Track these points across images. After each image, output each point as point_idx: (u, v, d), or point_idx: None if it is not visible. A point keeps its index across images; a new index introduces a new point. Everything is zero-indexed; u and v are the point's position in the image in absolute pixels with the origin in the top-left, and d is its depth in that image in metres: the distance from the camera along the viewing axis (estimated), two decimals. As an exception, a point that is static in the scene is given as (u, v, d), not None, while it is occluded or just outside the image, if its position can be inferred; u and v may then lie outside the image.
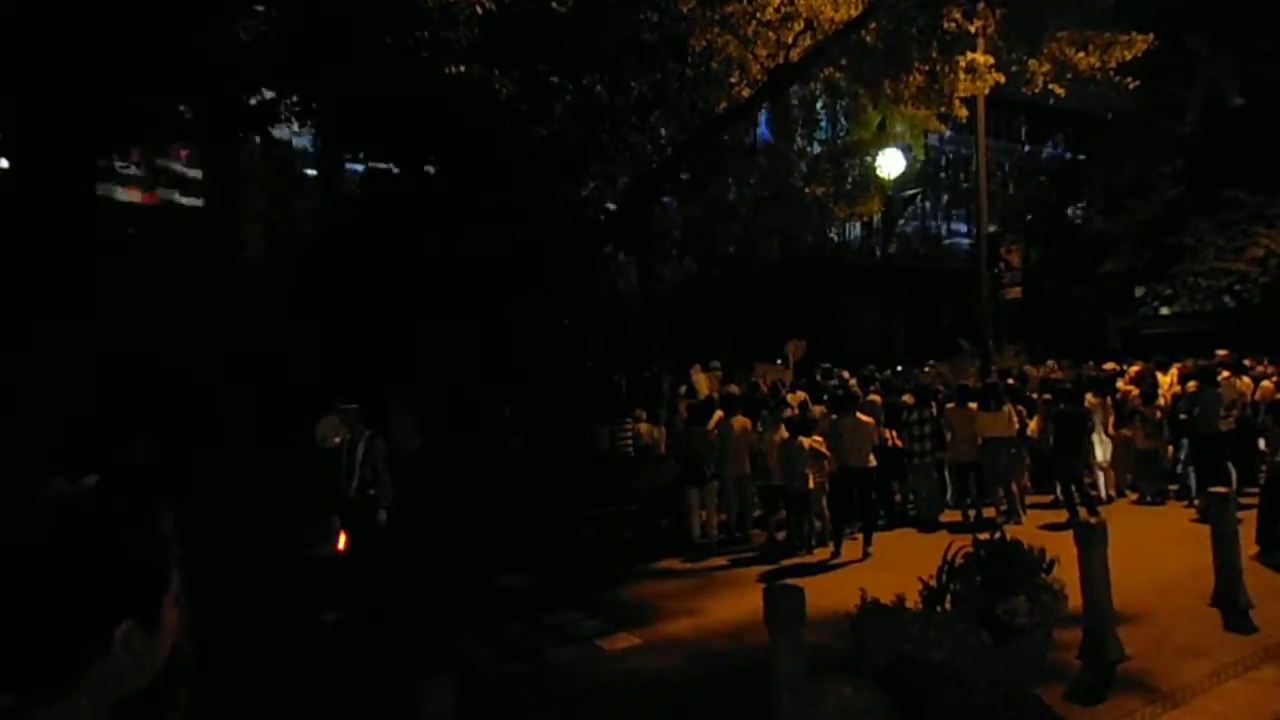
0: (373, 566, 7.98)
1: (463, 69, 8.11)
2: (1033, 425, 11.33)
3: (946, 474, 11.39)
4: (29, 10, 6.91)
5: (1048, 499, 11.20)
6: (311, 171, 26.70)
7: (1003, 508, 10.61)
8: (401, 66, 8.12)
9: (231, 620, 5.73)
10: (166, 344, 11.06)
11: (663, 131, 12.96)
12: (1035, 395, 12.24)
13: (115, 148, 8.98)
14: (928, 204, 29.52)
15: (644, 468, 12.06)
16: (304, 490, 10.13)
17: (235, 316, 13.81)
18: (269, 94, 10.29)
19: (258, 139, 14.23)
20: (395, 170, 15.29)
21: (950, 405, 11.21)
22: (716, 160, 14.64)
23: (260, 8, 8.92)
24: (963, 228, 29.22)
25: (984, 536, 5.66)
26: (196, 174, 16.55)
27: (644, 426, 12.93)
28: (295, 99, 9.72)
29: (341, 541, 8.37)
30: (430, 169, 13.79)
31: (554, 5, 8.45)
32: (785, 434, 9.83)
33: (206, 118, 10.46)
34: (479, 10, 7.85)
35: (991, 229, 20.42)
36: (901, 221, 26.61)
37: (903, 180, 18.99)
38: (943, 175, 29.91)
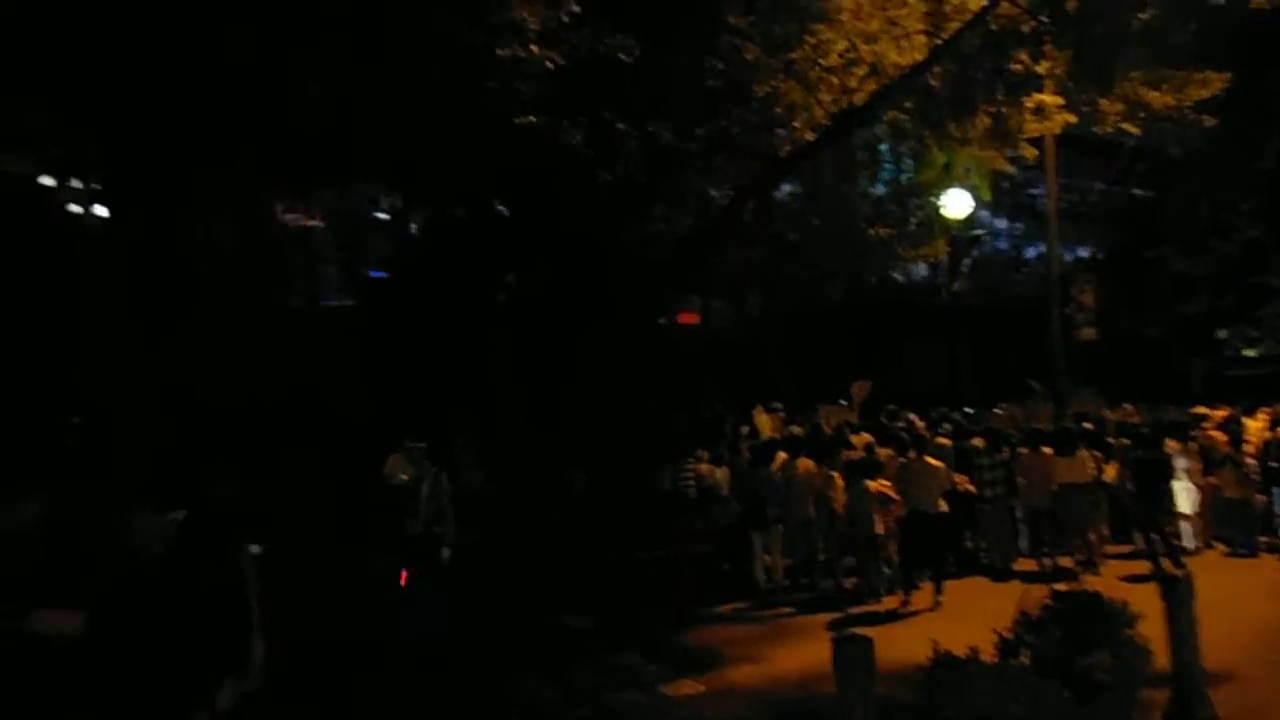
0: (437, 604, 8.08)
1: (532, 119, 8.36)
2: (1110, 471, 10.94)
3: (1019, 521, 11.06)
4: (132, 60, 7.34)
5: (1127, 549, 10.77)
6: (382, 215, 27.55)
7: (1080, 557, 10.23)
8: (472, 118, 8.40)
9: (300, 654, 5.85)
10: (242, 382, 11.49)
11: (725, 174, 13.08)
12: (1113, 440, 11.84)
13: (209, 196, 9.46)
14: (999, 242, 29.04)
15: (706, 509, 11.99)
16: (371, 526, 10.34)
17: (308, 356, 14.28)
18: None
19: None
20: (462, 214, 15.72)
21: (1024, 449, 10.91)
22: (779, 202, 14.70)
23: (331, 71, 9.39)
24: (1032, 254, 28.64)
25: (1062, 587, 5.48)
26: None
27: (705, 467, 12.87)
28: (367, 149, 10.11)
29: (404, 579, 8.48)
30: (498, 210, 14.17)
31: (621, 56, 8.66)
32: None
33: (284, 168, 10.96)
34: (549, 65, 8.10)
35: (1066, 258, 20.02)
36: (968, 261, 26.18)
37: (969, 220, 18.74)
38: (1011, 212, 29.44)
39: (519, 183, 11.47)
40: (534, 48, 7.98)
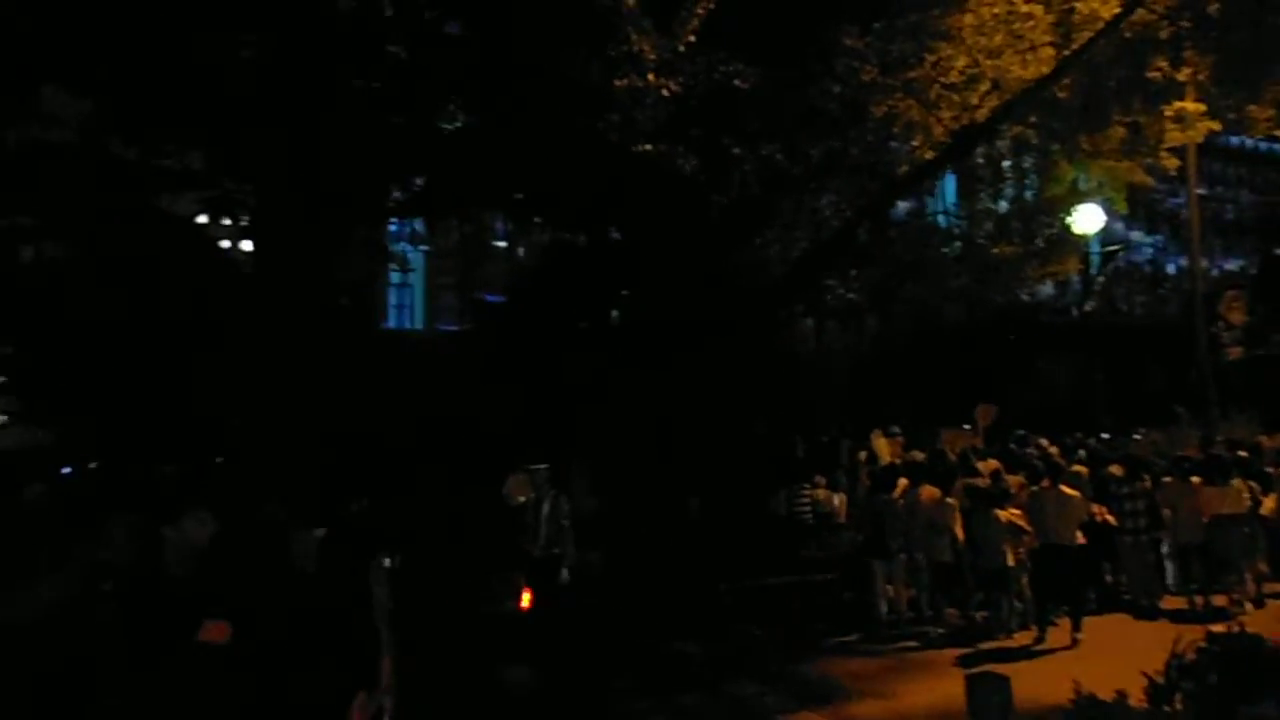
0: (555, 626, 8.20)
1: (649, 147, 8.50)
2: (1269, 503, 10.13)
3: (1164, 555, 10.35)
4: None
5: (1290, 588, 9.93)
6: (501, 243, 28.46)
7: (1235, 595, 9.49)
8: (592, 149, 8.62)
9: (422, 671, 6.04)
10: (371, 407, 12.06)
11: (841, 196, 12.92)
12: (1271, 469, 10.95)
13: (348, 225, 10.04)
14: (1138, 255, 27.51)
15: (823, 536, 11.75)
16: (491, 546, 10.61)
17: (434, 381, 14.86)
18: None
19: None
20: (580, 240, 16.06)
21: (1168, 479, 10.24)
22: (897, 223, 14.38)
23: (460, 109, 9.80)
24: (1174, 269, 26.99)
25: (1219, 628, 5.09)
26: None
27: (822, 493, 12.62)
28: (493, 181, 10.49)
29: (526, 599, 8.65)
30: (613, 236, 14.41)
31: (737, 83, 8.72)
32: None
33: (414, 199, 11.50)
34: (665, 94, 8.23)
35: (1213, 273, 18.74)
36: (1102, 277, 24.88)
37: (1105, 234, 17.83)
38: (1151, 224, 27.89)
39: (634, 209, 11.64)
40: (651, 77, 8.13)
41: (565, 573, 8.50)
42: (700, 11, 8.34)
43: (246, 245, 13.13)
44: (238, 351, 8.51)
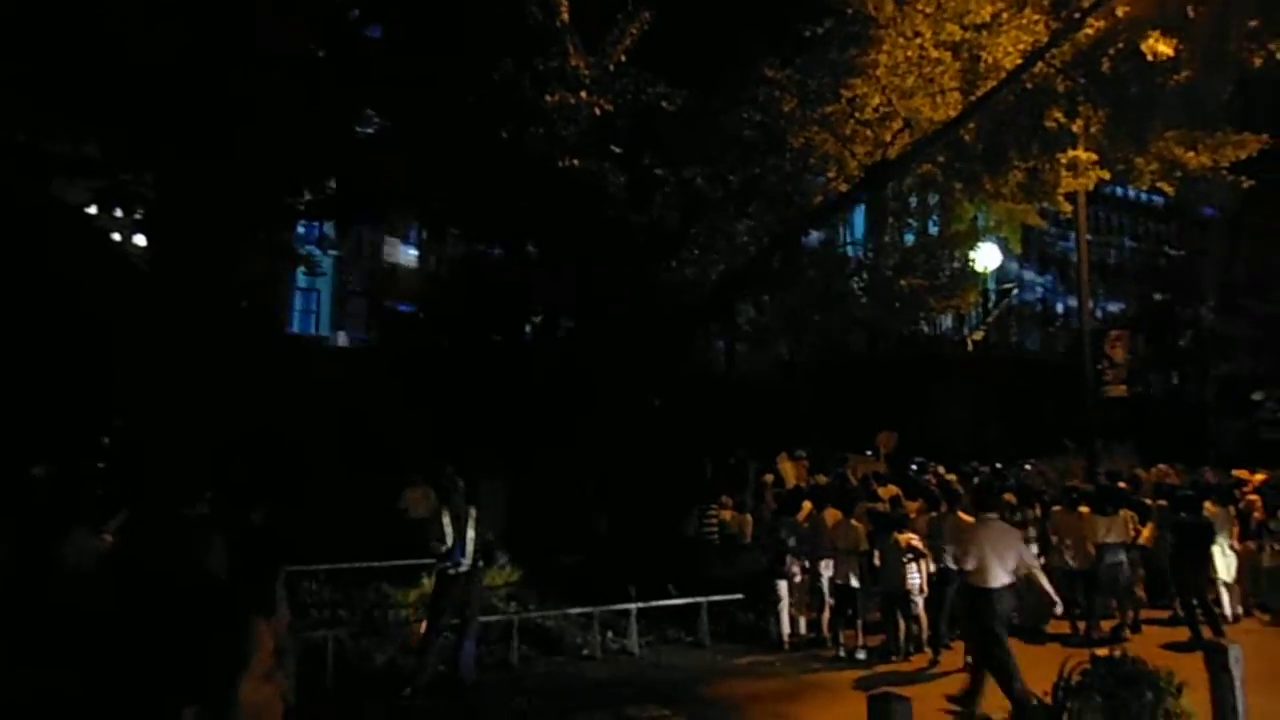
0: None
1: (575, 163, 8.47)
2: (1146, 533, 10.70)
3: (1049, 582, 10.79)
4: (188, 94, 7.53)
5: (1164, 614, 10.49)
6: (412, 252, 27.78)
7: (1117, 621, 9.97)
8: (514, 161, 8.54)
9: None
10: (269, 413, 11.60)
11: (758, 222, 13.16)
12: (1149, 501, 11.60)
13: (255, 228, 9.64)
14: (1035, 290, 28.97)
15: (729, 557, 11.83)
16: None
17: (336, 389, 14.40)
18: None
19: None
20: (496, 252, 15.89)
21: (1057, 508, 10.71)
22: (809, 252, 14.72)
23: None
24: (1063, 309, 28.47)
25: (1103, 652, 5.35)
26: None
27: (729, 514, 12.74)
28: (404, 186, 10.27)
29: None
30: (530, 251, 14.30)
31: (664, 105, 8.79)
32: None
33: (325, 201, 11.16)
34: (597, 112, 8.23)
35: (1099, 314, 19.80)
36: (995, 311, 26.09)
37: (1000, 272, 18.70)
38: (1042, 266, 29.41)
39: (553, 225, 11.58)
40: (584, 94, 8.11)
41: (484, 591, 8.29)
42: (634, 31, 8.38)
43: (141, 240, 12.51)
44: (126, 349, 8.05)
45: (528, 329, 16.87)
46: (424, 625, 8.32)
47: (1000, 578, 6.88)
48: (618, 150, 9.23)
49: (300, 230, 17.42)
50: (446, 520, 8.01)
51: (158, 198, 8.65)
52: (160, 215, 9.15)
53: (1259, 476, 13.10)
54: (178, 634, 3.57)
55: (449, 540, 7.96)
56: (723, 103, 9.90)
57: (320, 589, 9.64)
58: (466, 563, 8.01)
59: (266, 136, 7.79)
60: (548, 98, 7.98)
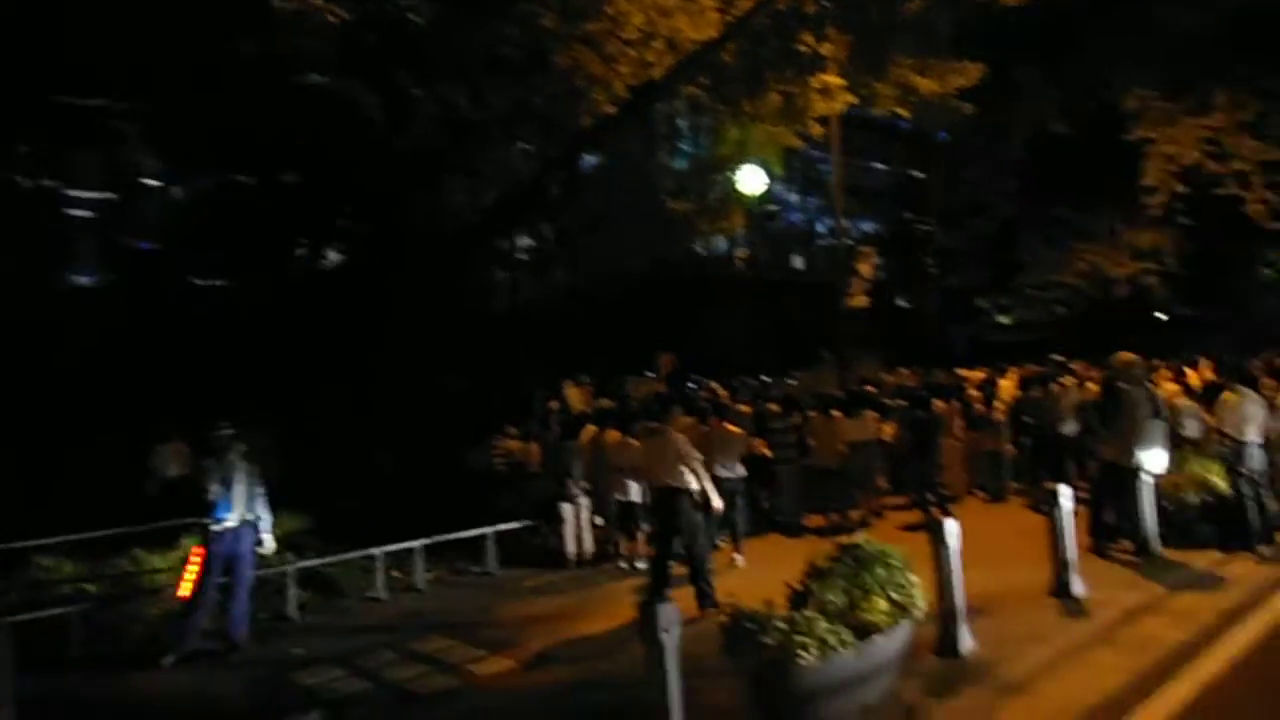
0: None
1: (321, 78, 7.82)
2: (888, 430, 11.87)
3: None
4: None
5: (904, 500, 11.75)
6: (153, 182, 24.91)
7: (863, 511, 11.05)
8: (250, 75, 7.75)
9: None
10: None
11: (530, 146, 12.92)
12: (890, 401, 12.84)
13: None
14: (793, 216, 30.71)
15: (517, 485, 11.89)
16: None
17: (62, 337, 12.81)
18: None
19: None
20: (249, 182, 14.53)
21: (813, 413, 11.61)
22: (584, 176, 14.68)
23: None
24: (824, 229, 30.55)
25: (845, 540, 5.88)
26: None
27: (516, 444, 12.75)
28: (130, 107, 9.11)
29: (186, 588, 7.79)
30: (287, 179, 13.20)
31: (410, 16, 8.28)
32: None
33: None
34: (330, 19, 7.59)
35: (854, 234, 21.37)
36: (759, 233, 27.54)
37: (765, 196, 19.61)
38: (804, 188, 31.20)
39: (309, 150, 10.74)
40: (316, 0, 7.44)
41: (269, 540, 7.80)
42: (375, -67, 7.77)
43: None
44: None
45: (290, 262, 15.69)
46: (187, 587, 7.74)
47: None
48: (365, 67, 8.60)
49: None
50: (212, 474, 7.50)
51: None
52: None
53: (978, 374, 14.86)
54: None
55: (214, 494, 7.50)
56: (476, 17, 9.48)
57: (58, 564, 8.71)
58: (233, 518, 7.55)
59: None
60: (277, 3, 7.25)
